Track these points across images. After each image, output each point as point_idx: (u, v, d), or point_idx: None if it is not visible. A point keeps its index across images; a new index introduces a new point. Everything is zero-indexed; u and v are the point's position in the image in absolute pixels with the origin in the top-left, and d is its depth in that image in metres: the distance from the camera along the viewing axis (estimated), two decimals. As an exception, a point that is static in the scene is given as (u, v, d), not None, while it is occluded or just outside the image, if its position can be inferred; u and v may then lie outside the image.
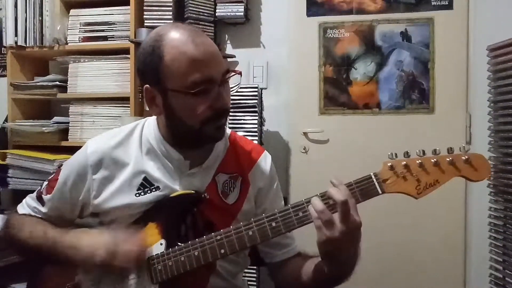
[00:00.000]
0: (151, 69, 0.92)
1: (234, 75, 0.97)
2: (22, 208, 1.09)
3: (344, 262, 0.86)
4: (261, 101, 2.17)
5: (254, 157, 1.09)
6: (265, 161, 1.10)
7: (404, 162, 0.86)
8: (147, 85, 0.95)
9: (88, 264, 0.92)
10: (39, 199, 1.06)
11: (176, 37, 0.91)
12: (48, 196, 1.04)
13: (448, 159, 0.84)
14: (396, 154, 0.86)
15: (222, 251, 0.91)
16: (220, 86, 0.92)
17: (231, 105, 1.98)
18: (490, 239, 2.05)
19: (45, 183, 1.07)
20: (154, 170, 1.01)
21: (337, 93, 2.35)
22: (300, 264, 1.02)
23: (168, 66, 0.90)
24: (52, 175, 1.08)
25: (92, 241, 0.93)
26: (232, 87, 1.03)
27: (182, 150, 1.01)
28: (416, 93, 2.29)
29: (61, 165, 1.09)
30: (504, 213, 1.96)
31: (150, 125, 1.05)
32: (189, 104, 0.91)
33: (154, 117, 1.06)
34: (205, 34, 0.95)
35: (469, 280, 2.22)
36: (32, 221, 1.04)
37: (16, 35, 2.23)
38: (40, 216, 1.06)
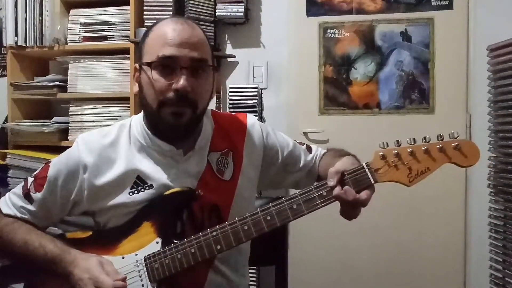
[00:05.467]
0: (139, 49, 1.01)
1: (206, 66, 0.97)
2: (7, 206, 1.05)
3: None
4: (261, 101, 2.17)
5: (241, 127, 1.10)
6: (252, 125, 1.11)
7: (395, 151, 0.87)
8: (135, 64, 1.01)
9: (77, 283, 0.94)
10: (27, 196, 1.03)
11: (166, 22, 0.97)
12: (38, 194, 1.02)
13: (438, 146, 0.86)
14: (387, 144, 0.88)
15: (218, 246, 0.92)
16: (186, 70, 0.93)
17: (231, 106, 1.99)
18: (490, 239, 2.05)
19: (31, 179, 1.04)
20: (147, 167, 1.01)
21: (337, 93, 2.35)
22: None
23: (147, 43, 0.98)
24: (38, 171, 1.05)
25: (84, 268, 0.94)
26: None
27: (169, 140, 1.01)
28: (416, 93, 2.29)
29: (49, 161, 1.06)
30: (504, 213, 1.97)
31: (136, 122, 1.06)
32: (151, 79, 0.94)
33: (140, 114, 1.06)
34: (196, 26, 0.99)
35: (469, 280, 2.22)
36: (24, 228, 1.02)
37: (16, 35, 2.24)
38: (27, 216, 1.03)
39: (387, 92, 2.31)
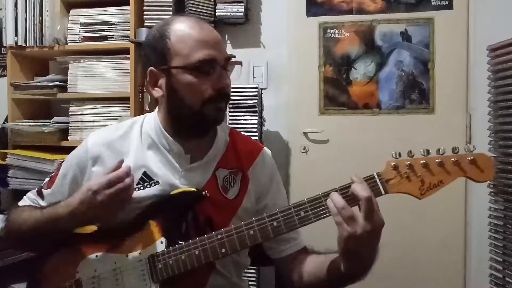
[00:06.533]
0: (156, 50, 0.97)
1: (235, 63, 1.00)
2: (23, 201, 1.11)
3: (363, 261, 0.86)
4: (261, 101, 2.17)
5: (254, 153, 1.09)
6: (265, 157, 1.11)
7: (408, 162, 0.84)
8: (152, 68, 0.98)
9: (87, 211, 0.91)
10: (39, 193, 1.08)
11: (183, 22, 0.96)
12: (48, 190, 1.06)
13: (453, 160, 0.82)
14: (399, 154, 0.85)
15: (223, 250, 0.91)
16: (224, 68, 0.96)
17: (230, 106, 2.00)
18: (490, 239, 2.05)
19: (47, 179, 1.09)
20: (154, 164, 1.01)
21: (337, 93, 2.35)
22: (310, 259, 1.02)
23: (174, 45, 0.94)
24: (54, 172, 1.09)
25: (81, 191, 0.92)
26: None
27: (183, 142, 1.01)
28: (416, 93, 2.29)
29: (63, 160, 1.10)
30: (504, 213, 1.97)
31: (150, 120, 1.06)
32: (192, 82, 0.94)
33: (153, 113, 1.06)
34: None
35: (469, 280, 2.22)
36: (30, 208, 1.05)
37: (16, 35, 2.23)
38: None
39: (387, 92, 2.31)
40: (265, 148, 1.13)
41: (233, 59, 1.00)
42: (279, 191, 1.12)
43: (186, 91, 0.95)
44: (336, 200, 0.82)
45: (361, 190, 0.80)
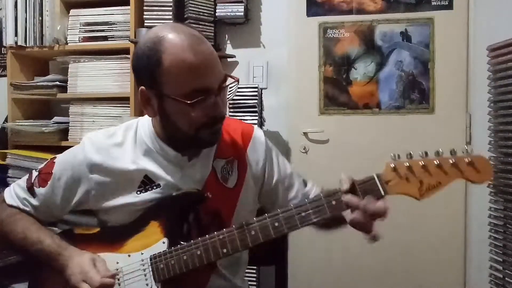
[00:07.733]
0: (147, 72, 0.90)
1: (231, 83, 0.98)
2: (11, 197, 1.06)
3: None
4: (261, 101, 2.17)
5: (246, 138, 1.09)
6: (258, 138, 1.11)
7: (407, 164, 0.85)
8: (143, 87, 0.94)
9: (74, 278, 0.94)
10: (30, 190, 1.04)
11: (175, 42, 0.88)
12: (41, 189, 1.03)
13: (451, 161, 0.84)
14: (398, 155, 0.86)
15: (225, 250, 0.92)
16: (217, 96, 0.92)
17: (230, 106, 1.99)
18: (490, 239, 2.05)
19: (35, 173, 1.05)
20: (153, 167, 1.01)
21: (337, 93, 2.35)
22: None
23: (166, 72, 0.88)
24: (43, 166, 1.06)
25: (76, 262, 0.95)
26: (231, 87, 1.03)
27: (178, 148, 1.01)
28: (416, 93, 2.29)
29: (54, 157, 1.06)
30: (504, 213, 1.96)
31: (144, 125, 1.04)
32: (185, 111, 0.90)
33: (147, 118, 1.05)
34: (204, 38, 0.92)
35: (469, 280, 2.22)
36: (25, 220, 1.03)
37: (16, 35, 2.24)
38: (29, 209, 1.04)
39: (387, 92, 2.31)
40: (255, 128, 1.12)
41: (228, 79, 0.96)
42: (284, 164, 1.14)
43: (179, 119, 0.92)
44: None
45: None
